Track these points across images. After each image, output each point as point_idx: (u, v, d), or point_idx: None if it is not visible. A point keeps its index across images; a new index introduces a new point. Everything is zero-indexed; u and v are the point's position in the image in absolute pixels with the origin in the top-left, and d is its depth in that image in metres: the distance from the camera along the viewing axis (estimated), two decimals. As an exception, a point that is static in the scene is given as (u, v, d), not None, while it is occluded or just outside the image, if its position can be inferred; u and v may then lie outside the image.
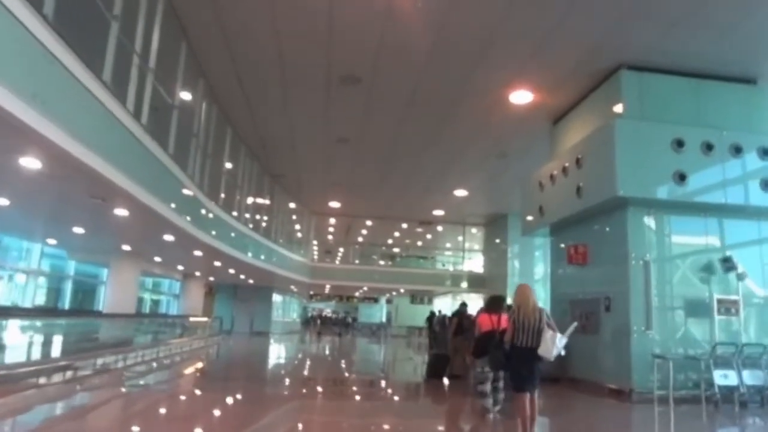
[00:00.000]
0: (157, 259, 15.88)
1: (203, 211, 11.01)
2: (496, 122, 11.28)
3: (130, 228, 9.91)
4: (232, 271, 18.11)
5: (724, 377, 7.31)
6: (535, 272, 19.21)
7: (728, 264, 8.26)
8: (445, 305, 26.28)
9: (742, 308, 8.25)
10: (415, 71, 9.23)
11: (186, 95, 9.45)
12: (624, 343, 8.27)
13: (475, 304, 22.40)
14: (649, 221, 8.61)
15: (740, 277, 8.31)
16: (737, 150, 8.45)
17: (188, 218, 10.00)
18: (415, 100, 10.40)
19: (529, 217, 11.57)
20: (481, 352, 6.21)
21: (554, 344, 4.80)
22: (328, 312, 56.40)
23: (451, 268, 25.42)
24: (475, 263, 24.70)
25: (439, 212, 20.55)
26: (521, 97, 10.02)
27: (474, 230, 23.49)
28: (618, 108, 8.82)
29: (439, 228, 23.77)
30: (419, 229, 24.05)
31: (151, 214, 8.24)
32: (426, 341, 19.85)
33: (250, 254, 15.17)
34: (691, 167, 8.29)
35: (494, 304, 6.71)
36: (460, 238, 24.73)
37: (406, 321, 29.85)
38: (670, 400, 7.31)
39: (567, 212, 9.71)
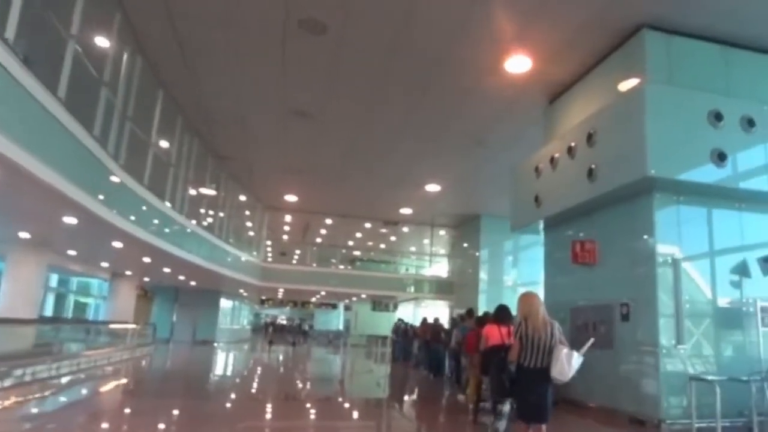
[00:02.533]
0: (72, 252, 13.31)
1: (120, 190, 8.72)
2: (483, 99, 9.58)
3: (16, 206, 7.56)
4: (167, 270, 15.71)
5: (781, 406, 5.76)
6: (505, 279, 17.82)
7: (770, 264, 6.77)
8: (407, 313, 24.53)
9: (788, 318, 6.77)
10: (393, 24, 7.46)
11: (92, 30, 7.25)
12: (649, 360, 6.65)
13: (442, 312, 21.01)
14: (679, 210, 7.05)
15: (786, 281, 6.84)
16: (781, 127, 7.03)
17: (101, 197, 7.77)
18: (390, 67, 8.61)
19: (522, 210, 9.88)
20: (488, 367, 5.54)
21: (570, 364, 4.10)
22: (282, 319, 53.77)
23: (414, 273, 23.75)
24: (441, 268, 23.09)
25: (406, 211, 18.75)
26: (518, 64, 8.35)
27: (442, 232, 21.84)
28: (638, 76, 7.26)
29: (405, 229, 22.00)
30: (383, 230, 22.21)
31: (35, 184, 6.01)
32: (389, 351, 18.02)
33: (188, 250, 12.87)
34: (730, 146, 6.78)
35: (503, 314, 5.84)
36: (427, 241, 23.06)
37: (367, 329, 27.85)
38: (718, 436, 5.68)
39: (573, 201, 8.06)
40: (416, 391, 10.94)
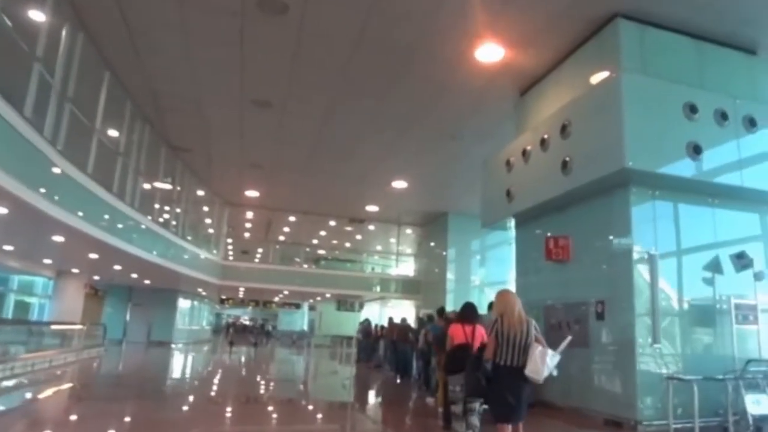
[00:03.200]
0: (7, 247, 12.25)
1: (58, 178, 7.93)
2: (454, 91, 9.27)
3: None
4: (118, 267, 14.76)
5: (756, 403, 5.59)
6: (472, 279, 17.62)
7: (743, 261, 6.65)
8: (373, 313, 24.09)
9: (760, 315, 6.66)
10: (358, 7, 7.06)
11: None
12: (625, 360, 6.42)
13: (408, 311, 20.66)
14: (655, 205, 6.85)
15: (758, 277, 6.73)
16: (752, 123, 6.94)
17: (34, 184, 7.00)
18: (356, 54, 8.15)
19: (493, 205, 9.57)
20: (453, 368, 5.31)
21: (545, 362, 4.01)
22: (245, 319, 52.46)
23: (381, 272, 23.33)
24: (408, 267, 22.75)
25: (372, 208, 18.29)
26: (490, 53, 8.03)
27: (409, 231, 21.50)
28: (612, 67, 7.02)
29: (371, 227, 21.53)
30: (348, 228, 21.66)
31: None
32: (355, 351, 17.54)
33: (140, 246, 12.04)
34: (705, 139, 6.63)
35: (468, 313, 5.70)
36: (393, 240, 22.67)
37: (332, 329, 27.27)
38: (695, 437, 5.46)
39: (547, 195, 7.79)
40: (383, 393, 10.51)
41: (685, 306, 6.67)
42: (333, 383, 12.58)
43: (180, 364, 15.98)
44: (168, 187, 14.69)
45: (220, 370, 14.09)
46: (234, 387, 10.46)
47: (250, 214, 20.50)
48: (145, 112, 11.38)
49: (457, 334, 5.54)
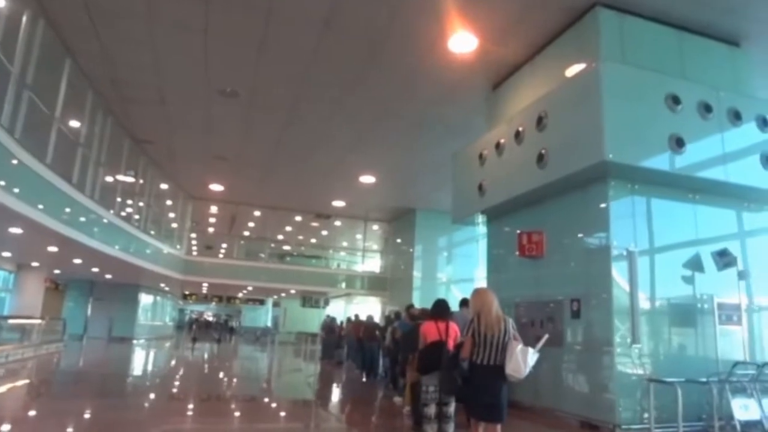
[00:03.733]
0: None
1: (15, 167, 7.13)
2: (425, 82, 8.65)
3: None
4: (78, 261, 13.61)
5: (744, 408, 5.16)
6: (440, 276, 17.09)
7: (726, 258, 6.25)
8: (339, 309, 23.33)
9: (744, 315, 6.28)
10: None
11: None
12: (603, 360, 5.92)
13: (374, 308, 20.00)
14: (633, 199, 6.38)
15: (742, 276, 6.36)
16: (736, 116, 6.53)
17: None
18: (325, 41, 7.46)
19: (464, 200, 8.98)
20: (427, 367, 4.86)
21: (525, 361, 3.84)
22: (209, 315, 50.69)
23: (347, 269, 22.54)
24: (375, 264, 22.07)
25: (339, 203, 17.50)
26: (463, 42, 7.44)
27: (376, 227, 20.82)
28: (591, 57, 6.51)
29: (338, 223, 20.76)
30: (315, 224, 20.82)
31: None
32: (319, 348, 16.77)
33: (101, 240, 11.03)
34: (688, 132, 6.18)
35: (440, 310, 5.21)
36: (360, 236, 21.94)
37: (296, 326, 26.32)
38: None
39: (521, 189, 7.23)
40: (348, 392, 9.81)
41: (665, 305, 6.21)
42: (295, 381, 11.79)
43: (141, 361, 14.96)
44: (131, 180, 13.69)
45: (181, 367, 13.16)
46: (194, 384, 9.64)
47: (214, 209, 19.40)
48: (107, 102, 10.40)
49: (431, 331, 5.03)
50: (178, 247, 18.36)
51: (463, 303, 7.86)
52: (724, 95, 6.52)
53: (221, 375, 11.95)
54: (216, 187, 16.41)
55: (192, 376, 11.24)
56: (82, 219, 10.15)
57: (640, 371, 5.80)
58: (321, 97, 9.37)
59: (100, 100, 10.18)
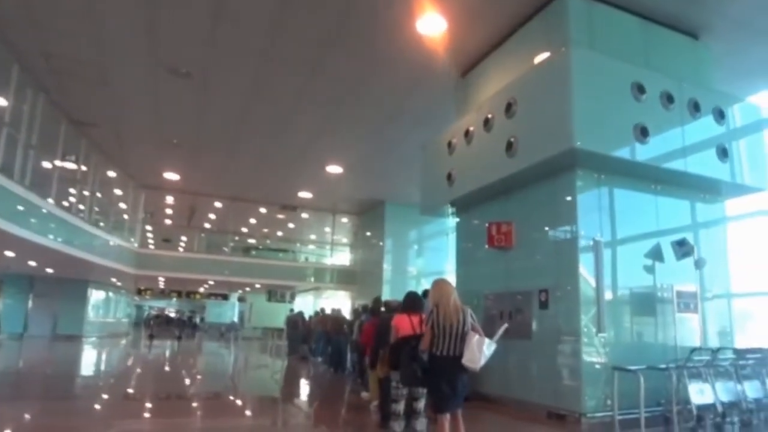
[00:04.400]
0: None
1: None
2: (392, 67, 8.66)
3: None
4: (11, 254, 13.07)
5: (699, 393, 5.46)
6: (410, 269, 17.28)
7: (684, 248, 6.57)
8: (307, 304, 23.29)
9: (701, 303, 6.62)
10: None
11: None
12: (570, 350, 6.15)
13: (343, 302, 20.05)
14: (600, 189, 6.62)
15: (698, 265, 6.71)
16: (696, 107, 6.86)
17: None
18: (285, 15, 7.37)
19: (433, 190, 9.10)
20: (399, 362, 4.78)
21: (482, 351, 3.95)
22: (171, 311, 49.73)
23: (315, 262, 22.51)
24: (345, 258, 22.10)
25: (306, 194, 17.41)
26: (432, 24, 7.50)
27: (345, 220, 20.83)
28: (559, 44, 6.67)
29: (305, 215, 20.64)
30: (281, 216, 20.63)
31: None
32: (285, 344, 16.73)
33: (35, 231, 10.63)
34: (652, 122, 6.44)
35: (413, 303, 5.25)
36: (328, 229, 21.92)
37: (263, 321, 26.14)
38: (641, 428, 5.22)
39: (490, 178, 7.38)
40: (315, 387, 9.85)
41: (628, 294, 6.50)
42: (257, 379, 11.75)
43: (85, 361, 14.39)
44: (72, 166, 13.17)
45: (131, 367, 12.83)
46: (146, 386, 9.40)
47: (170, 199, 18.96)
48: (38, 79, 9.92)
49: (403, 325, 5.04)
50: (132, 240, 17.95)
51: (426, 294, 8.00)
52: (686, 86, 6.82)
53: (178, 374, 11.77)
54: (171, 176, 16.05)
55: (143, 376, 10.99)
56: (10, 207, 9.68)
57: (605, 360, 6.05)
58: (281, 78, 9.23)
59: (28, 74, 9.67)
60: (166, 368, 12.94)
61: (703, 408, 5.43)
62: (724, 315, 7.10)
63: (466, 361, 3.94)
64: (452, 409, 4.09)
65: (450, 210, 9.22)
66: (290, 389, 9.87)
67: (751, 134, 7.31)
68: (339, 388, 9.51)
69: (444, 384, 3.99)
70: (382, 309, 7.46)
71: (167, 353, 17.17)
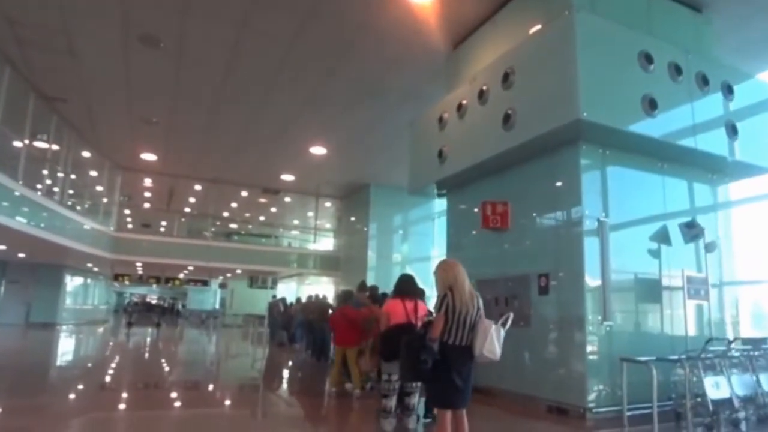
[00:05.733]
0: None
1: None
2: (378, 38, 7.88)
3: None
4: (-26, 238, 12.07)
5: (715, 387, 4.92)
6: (395, 255, 16.61)
7: (693, 230, 6.03)
8: (290, 290, 22.56)
9: (711, 290, 6.09)
10: None
11: None
12: (573, 339, 5.57)
13: (327, 289, 19.37)
14: (605, 166, 6.01)
15: (709, 248, 6.17)
16: (704, 81, 6.28)
17: None
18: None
19: (422, 168, 8.41)
20: (390, 353, 4.40)
21: (500, 340, 3.56)
22: (153, 298, 48.63)
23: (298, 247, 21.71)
24: (329, 244, 21.34)
25: (288, 177, 16.56)
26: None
27: (328, 204, 20.02)
28: (560, 8, 5.98)
29: (287, 199, 19.79)
30: (262, 200, 19.74)
31: None
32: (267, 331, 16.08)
33: (3, 212, 9.75)
34: (660, 93, 5.84)
35: (408, 287, 4.68)
36: (311, 214, 21.09)
37: (244, 308, 25.29)
38: (654, 424, 4.67)
39: (485, 154, 6.72)
40: (296, 378, 9.19)
41: (633, 280, 5.94)
42: (235, 367, 11.05)
43: (55, 349, 13.50)
44: (43, 145, 12.19)
45: (106, 356, 12.02)
46: (116, 376, 8.65)
47: (148, 182, 17.96)
48: (2, 48, 8.93)
49: (397, 311, 4.50)
50: (108, 223, 16.97)
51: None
52: (693, 58, 6.25)
53: (151, 363, 11.00)
54: (148, 157, 15.06)
55: (116, 365, 10.21)
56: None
57: (611, 350, 5.48)
58: (260, 49, 8.39)
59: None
60: (140, 357, 12.17)
61: (718, 402, 4.89)
62: (733, 303, 6.59)
63: (487, 352, 3.53)
64: (464, 405, 3.63)
65: (439, 191, 8.57)
66: (267, 380, 9.17)
67: (760, 112, 6.74)
68: (322, 377, 8.85)
69: (457, 377, 3.52)
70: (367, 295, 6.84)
71: (144, 341, 16.33)
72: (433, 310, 4.06)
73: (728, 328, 6.31)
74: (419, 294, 4.79)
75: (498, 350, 3.55)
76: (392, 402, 4.71)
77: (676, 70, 6.05)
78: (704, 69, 6.31)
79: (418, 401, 4.84)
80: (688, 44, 6.52)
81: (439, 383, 3.58)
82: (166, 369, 9.91)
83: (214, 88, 10.00)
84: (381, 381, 4.85)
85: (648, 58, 5.85)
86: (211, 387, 7.98)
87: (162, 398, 6.56)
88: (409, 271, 15.31)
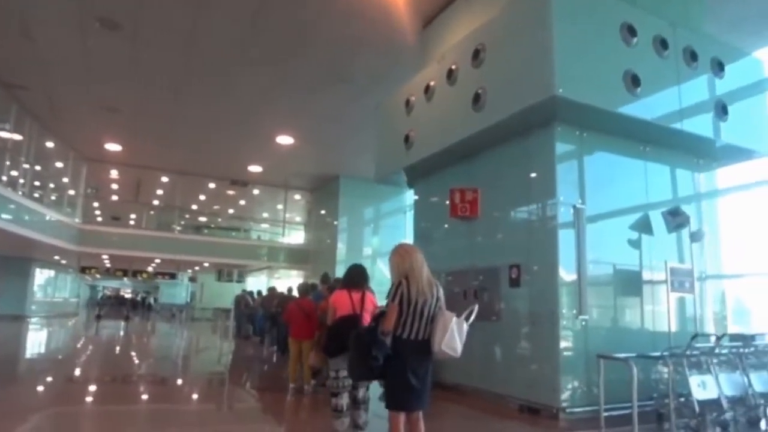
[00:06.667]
0: None
1: None
2: (344, 18, 7.04)
3: None
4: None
5: (701, 386, 4.28)
6: (365, 249, 15.80)
7: (678, 218, 5.41)
8: (261, 284, 21.46)
9: (697, 282, 5.47)
10: None
11: None
12: (546, 335, 4.87)
13: (297, 282, 18.36)
14: (582, 148, 5.32)
15: (695, 237, 5.55)
16: (693, 56, 5.62)
17: None
18: None
19: (388, 154, 7.62)
20: (336, 347, 3.81)
21: (462, 335, 3.00)
22: (126, 292, 46.62)
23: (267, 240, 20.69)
24: (300, 237, 20.37)
25: (256, 168, 15.51)
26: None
27: (298, 196, 19.05)
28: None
29: (256, 191, 18.75)
30: (231, 192, 18.62)
31: None
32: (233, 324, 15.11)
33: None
34: (644, 69, 5.17)
35: (355, 278, 4.10)
36: (281, 206, 20.07)
37: (214, 301, 24.12)
38: (634, 426, 3.99)
39: (454, 138, 5.97)
40: (256, 374, 8.30)
41: (612, 272, 5.27)
42: (197, 361, 10.09)
43: (22, 342, 12.54)
44: (4, 135, 11.05)
45: (72, 349, 11.00)
46: (80, 368, 7.71)
47: (114, 173, 16.67)
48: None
49: (342, 303, 3.90)
50: (74, 215, 15.68)
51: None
52: (681, 32, 5.58)
53: (115, 356, 9.97)
54: (113, 147, 13.84)
55: (79, 358, 9.24)
56: None
57: (586, 346, 4.81)
58: (219, 30, 7.50)
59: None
60: (105, 350, 11.22)
61: (704, 403, 4.25)
62: (719, 297, 6.02)
63: (446, 347, 2.96)
64: (419, 408, 3.05)
65: (408, 180, 7.78)
66: (220, 376, 8.24)
67: (753, 92, 6.11)
68: (282, 372, 7.97)
69: (411, 375, 2.95)
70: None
71: (111, 335, 15.18)
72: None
73: (710, 324, 5.71)
74: (367, 284, 4.06)
75: (459, 346, 3.00)
76: (344, 400, 4.01)
77: (662, 44, 5.38)
78: (693, 44, 5.63)
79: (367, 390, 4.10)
80: (676, 17, 5.81)
81: (392, 382, 3.02)
82: (126, 362, 9.05)
83: (175, 73, 9.02)
84: (329, 378, 4.13)
85: (631, 31, 5.17)
86: (166, 381, 7.03)
87: (110, 392, 5.87)
88: (380, 264, 14.57)
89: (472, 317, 3.11)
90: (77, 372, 7.60)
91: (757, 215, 6.32)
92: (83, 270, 22.72)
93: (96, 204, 19.66)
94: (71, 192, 15.73)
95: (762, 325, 5.37)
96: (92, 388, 6.23)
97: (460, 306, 4.48)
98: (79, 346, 11.93)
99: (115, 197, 19.77)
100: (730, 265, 6.15)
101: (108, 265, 22.93)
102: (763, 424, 4.46)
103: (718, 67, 5.75)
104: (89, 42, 7.93)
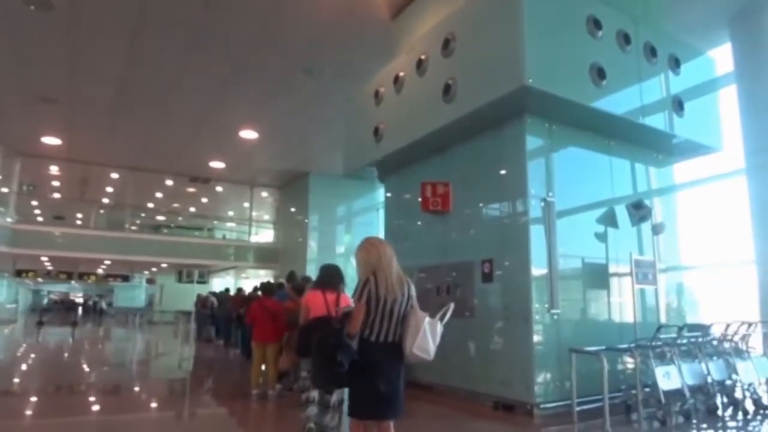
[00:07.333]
0: None
1: None
2: (307, 6, 7.08)
3: None
4: None
5: (666, 377, 4.61)
6: (337, 247, 15.91)
7: (641, 212, 5.76)
8: (228, 285, 21.31)
9: (659, 274, 5.84)
10: None
11: None
12: (519, 330, 5.13)
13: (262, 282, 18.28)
14: (552, 141, 5.60)
15: (657, 230, 5.92)
16: (653, 52, 6.00)
17: None
18: None
19: (357, 148, 7.76)
20: (309, 348, 3.41)
21: (435, 337, 2.89)
22: (77, 296, 45.27)
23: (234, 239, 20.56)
24: (269, 236, 20.29)
25: (218, 165, 15.31)
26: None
27: (265, 194, 18.95)
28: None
29: (219, 189, 18.52)
30: (191, 189, 18.33)
31: None
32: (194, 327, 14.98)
33: None
34: (608, 63, 5.48)
35: (330, 278, 4.22)
36: (247, 204, 19.92)
37: (175, 304, 23.78)
38: (605, 418, 4.29)
39: (424, 129, 6.16)
40: (219, 380, 8.33)
41: (580, 265, 5.58)
42: (154, 370, 10.03)
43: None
44: None
45: (4, 357, 10.66)
46: (7, 378, 7.54)
47: (54, 169, 16.15)
48: None
49: (316, 303, 4.00)
50: (9, 217, 15.15)
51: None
52: (643, 28, 5.96)
53: (53, 366, 9.75)
54: (51, 141, 13.33)
55: (16, 366, 9.00)
56: None
57: (558, 341, 5.10)
58: (168, 12, 7.34)
59: None
60: (44, 359, 10.87)
61: (669, 393, 4.59)
62: (678, 288, 6.42)
63: (417, 350, 2.85)
64: (392, 416, 2.93)
65: (379, 175, 7.95)
66: (185, 387, 8.26)
67: (707, 89, 6.57)
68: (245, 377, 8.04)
69: (381, 382, 2.84)
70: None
71: (58, 341, 14.84)
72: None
73: (671, 314, 6.11)
74: (342, 285, 4.21)
75: (432, 348, 2.90)
76: (314, 393, 4.10)
77: (625, 39, 5.72)
78: (652, 40, 6.03)
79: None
80: (638, 13, 6.14)
81: (357, 388, 2.92)
82: (74, 370, 8.88)
83: (119, 60, 8.75)
84: (299, 379, 4.28)
85: (596, 24, 5.48)
86: (118, 390, 6.99)
87: (54, 404, 5.76)
88: (353, 262, 14.69)
89: (447, 317, 3.03)
90: (15, 381, 7.41)
91: (711, 209, 6.81)
92: (19, 273, 21.94)
93: (35, 203, 19.05)
94: (4, 189, 15.16)
95: (715, 315, 5.76)
96: (32, 399, 6.11)
97: (433, 303, 4.72)
98: (18, 354, 11.58)
99: (57, 195, 19.20)
100: (687, 257, 6.58)
101: (49, 268, 22.21)
102: (719, 412, 4.84)
103: (675, 64, 6.19)
104: (19, 24, 7.58)
